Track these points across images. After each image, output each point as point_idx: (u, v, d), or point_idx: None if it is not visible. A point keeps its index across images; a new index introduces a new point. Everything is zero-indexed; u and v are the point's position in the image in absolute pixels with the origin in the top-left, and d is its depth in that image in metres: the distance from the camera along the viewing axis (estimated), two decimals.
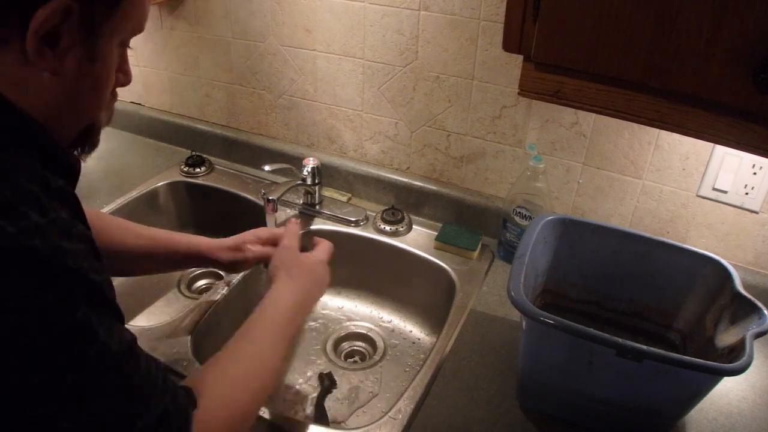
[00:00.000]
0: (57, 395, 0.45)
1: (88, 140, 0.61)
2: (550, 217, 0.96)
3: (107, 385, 0.48)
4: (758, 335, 0.74)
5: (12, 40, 0.48)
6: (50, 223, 0.46)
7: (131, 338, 0.52)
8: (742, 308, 0.80)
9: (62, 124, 0.55)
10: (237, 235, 0.96)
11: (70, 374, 0.45)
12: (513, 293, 0.80)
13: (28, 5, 0.47)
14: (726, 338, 0.80)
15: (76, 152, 0.60)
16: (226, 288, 1.09)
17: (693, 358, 0.73)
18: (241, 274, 1.11)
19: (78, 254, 0.47)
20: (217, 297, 1.07)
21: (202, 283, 1.34)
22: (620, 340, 0.73)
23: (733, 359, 0.72)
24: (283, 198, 1.19)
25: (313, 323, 1.24)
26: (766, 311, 0.77)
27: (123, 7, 0.54)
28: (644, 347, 0.72)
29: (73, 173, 0.58)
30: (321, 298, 0.87)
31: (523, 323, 0.83)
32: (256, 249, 0.94)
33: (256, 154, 1.44)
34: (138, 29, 0.58)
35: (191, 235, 0.98)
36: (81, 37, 0.52)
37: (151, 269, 0.99)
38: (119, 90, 0.62)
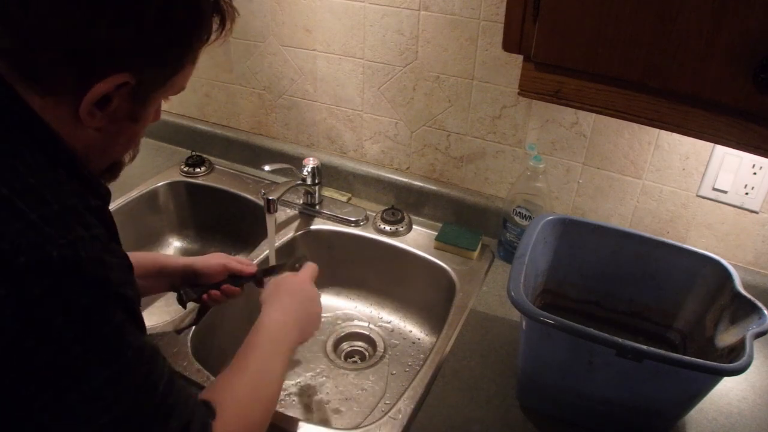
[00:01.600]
0: (91, 392, 0.48)
1: (112, 174, 0.66)
2: (550, 217, 0.96)
3: (138, 387, 0.51)
4: (758, 335, 0.74)
5: (66, 97, 0.53)
6: (93, 238, 0.50)
7: (156, 349, 0.56)
8: (742, 308, 0.80)
9: (95, 162, 0.60)
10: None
11: (105, 371, 0.49)
12: (513, 293, 0.80)
13: (90, 78, 0.52)
14: (726, 338, 0.80)
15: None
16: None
17: (693, 358, 0.73)
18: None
19: (116, 268, 0.51)
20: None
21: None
22: (620, 340, 0.73)
23: (733, 359, 0.72)
24: (283, 198, 1.19)
25: None
26: (766, 311, 0.77)
27: (174, 79, 0.60)
28: (644, 347, 0.72)
29: (106, 200, 0.63)
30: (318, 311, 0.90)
31: (523, 323, 0.83)
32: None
33: (256, 154, 1.44)
34: (181, 90, 0.64)
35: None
36: (130, 103, 0.57)
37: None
38: None
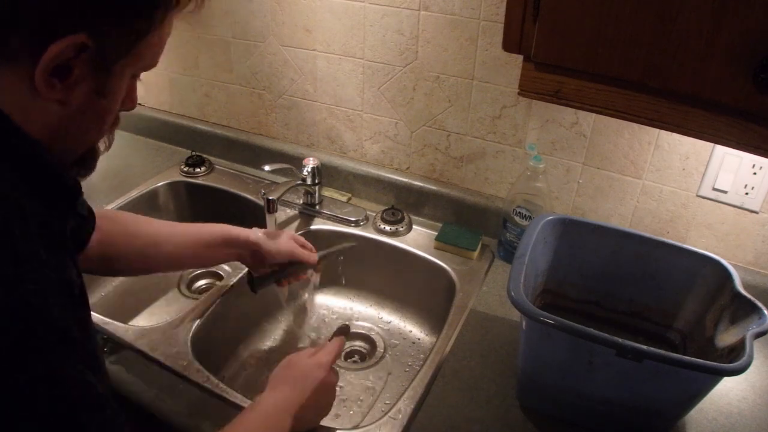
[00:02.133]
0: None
1: (86, 164, 0.61)
2: (550, 217, 0.96)
3: None
4: (758, 335, 0.74)
5: (21, 66, 0.48)
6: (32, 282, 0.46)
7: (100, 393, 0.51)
8: (742, 308, 0.80)
9: (62, 148, 0.55)
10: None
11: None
12: (513, 293, 0.80)
13: (42, 39, 0.47)
14: (726, 338, 0.80)
15: (72, 174, 0.60)
16: (226, 289, 1.09)
17: (692, 358, 0.73)
18: (240, 275, 1.11)
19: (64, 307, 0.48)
20: (217, 297, 1.07)
21: (202, 283, 1.33)
22: (620, 340, 0.73)
23: (733, 359, 0.72)
24: (283, 198, 1.19)
25: (312, 323, 1.24)
26: (766, 311, 0.77)
27: (138, 48, 0.54)
28: (644, 347, 0.72)
29: (72, 195, 0.59)
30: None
31: (523, 323, 0.83)
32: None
33: (256, 154, 1.44)
34: (151, 65, 0.58)
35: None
36: (92, 73, 0.51)
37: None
38: None
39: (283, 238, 1.00)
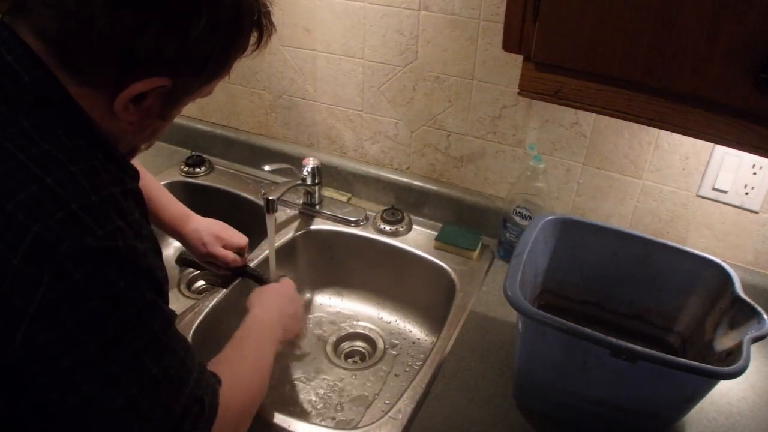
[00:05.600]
0: (126, 361, 0.53)
1: (128, 157, 0.68)
2: (550, 217, 0.96)
3: (165, 352, 0.57)
4: (756, 339, 0.74)
5: (103, 90, 0.55)
6: (128, 226, 0.54)
7: (175, 322, 0.62)
8: (741, 312, 0.80)
9: (119, 148, 0.63)
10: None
11: (137, 342, 0.54)
12: (509, 291, 0.80)
13: (129, 77, 0.54)
14: (725, 342, 0.80)
15: None
16: (226, 289, 1.09)
17: (687, 360, 0.72)
18: (238, 280, 1.12)
19: (148, 254, 0.55)
20: (217, 297, 1.07)
21: (202, 283, 1.34)
22: (614, 339, 0.72)
23: (731, 363, 0.72)
24: (283, 198, 1.19)
25: (312, 323, 1.24)
26: (765, 316, 0.76)
27: (206, 87, 0.63)
28: (638, 348, 0.72)
29: (137, 178, 0.66)
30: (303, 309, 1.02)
31: (519, 323, 0.83)
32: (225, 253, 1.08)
33: (256, 154, 1.44)
34: (209, 94, 0.67)
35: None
36: (163, 103, 0.59)
37: None
38: None
39: (209, 231, 1.08)
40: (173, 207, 1.07)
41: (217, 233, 1.08)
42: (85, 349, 0.51)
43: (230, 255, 1.08)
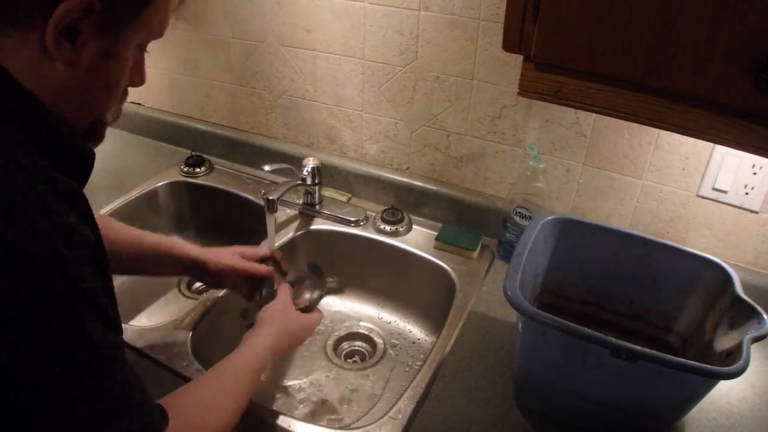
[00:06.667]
0: (44, 390, 0.46)
1: (94, 134, 0.62)
2: (550, 217, 0.96)
3: (93, 386, 0.50)
4: (756, 339, 0.73)
5: (32, 30, 0.49)
6: (54, 229, 0.47)
7: (118, 345, 0.54)
8: (741, 312, 0.80)
9: (71, 116, 0.56)
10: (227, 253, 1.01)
11: (58, 370, 0.47)
12: (509, 291, 0.80)
13: (51, 1, 0.48)
14: (725, 342, 0.80)
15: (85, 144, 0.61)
16: (226, 289, 1.09)
17: (686, 360, 0.72)
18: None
19: (77, 261, 0.48)
20: (217, 297, 1.07)
21: (202, 283, 1.34)
22: (614, 339, 0.72)
23: (731, 363, 0.72)
24: (283, 198, 1.19)
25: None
26: (765, 316, 0.76)
27: (146, 12, 0.56)
28: (638, 348, 0.71)
29: (87, 165, 0.59)
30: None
31: (519, 323, 0.83)
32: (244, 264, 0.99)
33: (256, 154, 1.44)
34: (158, 34, 0.60)
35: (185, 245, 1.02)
36: (100, 34, 0.53)
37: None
38: None
39: (224, 252, 1.00)
40: (187, 247, 1.01)
41: (233, 251, 1.02)
42: (5, 370, 0.45)
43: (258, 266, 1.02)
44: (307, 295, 1.02)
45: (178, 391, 0.68)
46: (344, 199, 1.35)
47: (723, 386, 0.91)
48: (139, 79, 0.62)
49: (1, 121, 0.49)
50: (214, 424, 0.69)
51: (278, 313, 0.90)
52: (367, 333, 1.23)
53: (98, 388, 0.50)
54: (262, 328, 0.86)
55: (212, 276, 0.98)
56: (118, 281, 1.27)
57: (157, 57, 1.47)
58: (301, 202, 1.32)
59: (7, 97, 0.50)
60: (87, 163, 0.59)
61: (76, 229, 0.49)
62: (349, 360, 1.17)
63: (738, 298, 0.82)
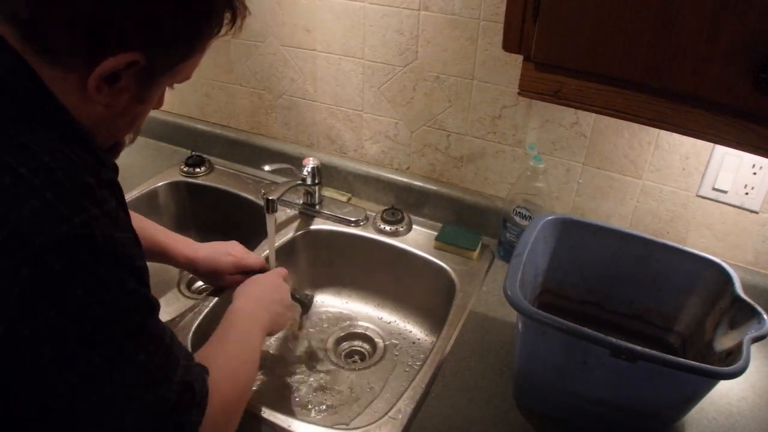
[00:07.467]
0: (111, 349, 0.53)
1: (112, 153, 0.67)
2: (550, 217, 0.96)
3: (151, 341, 0.58)
4: (756, 339, 0.73)
5: (73, 71, 0.54)
6: (104, 215, 0.53)
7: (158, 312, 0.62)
8: (741, 312, 0.80)
9: (98, 138, 0.62)
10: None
11: (122, 330, 0.54)
12: (509, 291, 0.80)
13: (100, 52, 0.53)
14: (725, 342, 0.80)
15: None
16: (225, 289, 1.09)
17: (686, 360, 0.72)
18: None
19: (126, 244, 0.55)
20: (217, 297, 1.07)
21: (202, 283, 1.33)
22: (614, 339, 0.72)
23: (731, 363, 0.72)
24: (283, 198, 1.19)
25: (312, 323, 1.24)
26: (765, 316, 0.76)
27: (181, 66, 0.62)
28: (638, 348, 0.71)
29: (116, 172, 0.65)
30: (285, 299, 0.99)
31: (519, 322, 0.83)
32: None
33: (256, 154, 1.44)
34: (187, 78, 0.66)
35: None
36: (138, 83, 0.58)
37: None
38: None
39: (220, 250, 1.06)
40: (182, 242, 1.06)
41: (227, 251, 1.08)
42: (69, 339, 0.51)
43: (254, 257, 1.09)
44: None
45: (200, 353, 0.75)
46: (344, 199, 1.35)
47: (723, 386, 0.91)
48: (159, 105, 0.68)
49: (45, 128, 0.54)
50: (241, 376, 0.76)
51: (247, 282, 0.97)
52: (367, 333, 1.23)
53: (159, 341, 0.58)
54: (236, 297, 0.92)
55: (204, 276, 1.06)
56: None
57: None
58: (301, 202, 1.32)
59: (51, 112, 0.55)
60: (114, 169, 0.65)
61: (119, 215, 0.56)
62: (349, 360, 1.17)
63: (738, 298, 0.82)
